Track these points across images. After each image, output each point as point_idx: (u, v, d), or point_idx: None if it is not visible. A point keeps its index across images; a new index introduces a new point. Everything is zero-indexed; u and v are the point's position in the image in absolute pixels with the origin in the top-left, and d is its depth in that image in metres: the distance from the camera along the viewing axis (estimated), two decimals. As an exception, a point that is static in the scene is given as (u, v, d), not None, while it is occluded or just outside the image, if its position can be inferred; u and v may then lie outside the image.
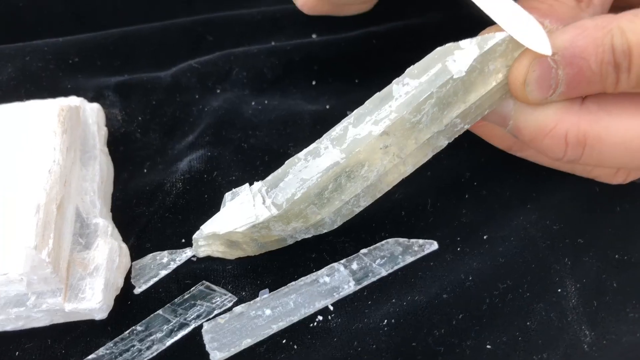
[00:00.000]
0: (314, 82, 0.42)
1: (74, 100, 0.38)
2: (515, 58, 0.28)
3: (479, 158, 0.38)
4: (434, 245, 0.34)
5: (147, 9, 0.46)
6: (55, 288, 0.30)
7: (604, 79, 0.27)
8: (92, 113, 0.38)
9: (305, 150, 0.31)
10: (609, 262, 0.34)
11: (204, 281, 0.32)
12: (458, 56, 0.28)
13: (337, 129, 0.30)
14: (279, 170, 0.31)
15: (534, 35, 0.27)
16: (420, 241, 0.34)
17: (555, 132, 0.28)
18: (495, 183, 0.37)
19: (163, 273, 0.33)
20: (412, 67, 0.30)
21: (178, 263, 0.32)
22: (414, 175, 0.37)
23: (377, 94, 0.30)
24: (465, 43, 0.29)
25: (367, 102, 0.30)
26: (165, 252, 0.33)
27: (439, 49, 0.29)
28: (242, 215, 0.30)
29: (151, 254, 0.33)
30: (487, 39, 0.28)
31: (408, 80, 0.29)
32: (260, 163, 0.38)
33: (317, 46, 0.43)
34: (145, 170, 0.38)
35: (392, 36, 0.44)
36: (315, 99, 0.41)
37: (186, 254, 0.31)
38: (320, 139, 0.31)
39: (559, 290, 0.33)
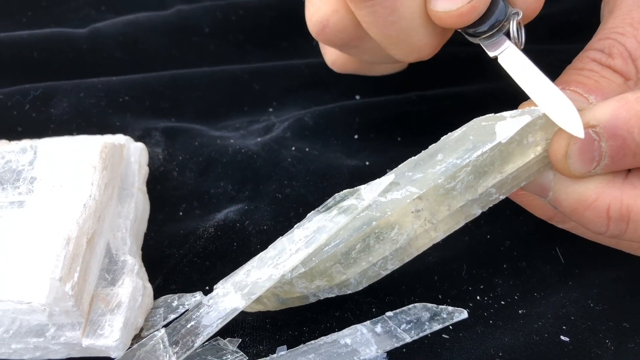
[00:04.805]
0: (355, 137, 0.42)
1: (119, 138, 0.38)
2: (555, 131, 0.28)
3: (521, 227, 0.37)
4: (463, 314, 0.33)
5: (202, 57, 0.47)
6: (76, 322, 0.30)
7: None
8: (136, 152, 0.39)
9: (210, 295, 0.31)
10: (658, 352, 0.32)
11: (217, 337, 0.31)
12: (498, 127, 0.28)
13: (239, 273, 0.31)
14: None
15: (567, 116, 0.26)
16: (450, 308, 0.33)
17: (596, 205, 0.27)
18: (535, 255, 0.35)
19: (171, 317, 0.32)
20: (449, 134, 0.29)
21: (187, 307, 0.32)
22: (450, 240, 0.36)
23: (281, 238, 0.31)
24: (505, 114, 0.28)
25: (270, 247, 0.31)
26: (176, 296, 0.33)
27: (478, 118, 0.29)
28: None
29: (163, 297, 0.33)
30: (528, 112, 0.28)
31: (294, 235, 0.30)
32: (294, 214, 0.37)
33: (361, 105, 0.43)
34: (181, 214, 0.38)
35: (436, 100, 0.43)
36: (355, 153, 0.41)
37: (195, 298, 0.31)
38: (225, 278, 0.31)
39: (599, 377, 0.31)
